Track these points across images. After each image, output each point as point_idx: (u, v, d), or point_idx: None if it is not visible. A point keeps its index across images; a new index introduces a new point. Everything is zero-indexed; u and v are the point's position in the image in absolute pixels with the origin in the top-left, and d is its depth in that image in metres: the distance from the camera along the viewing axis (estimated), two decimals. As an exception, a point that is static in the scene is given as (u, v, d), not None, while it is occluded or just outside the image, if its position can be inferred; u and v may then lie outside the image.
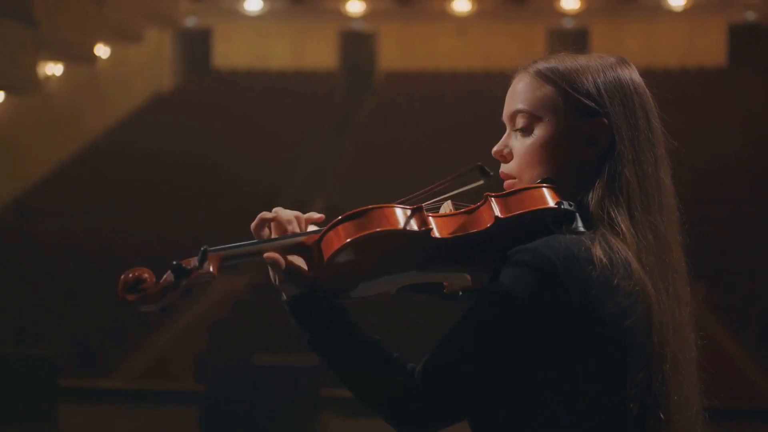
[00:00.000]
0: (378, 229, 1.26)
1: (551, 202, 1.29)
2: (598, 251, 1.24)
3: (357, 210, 1.28)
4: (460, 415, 1.30)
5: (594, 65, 1.40)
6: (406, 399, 1.28)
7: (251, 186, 13.64)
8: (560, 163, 1.35)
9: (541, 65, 1.42)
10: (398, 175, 13.60)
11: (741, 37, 18.42)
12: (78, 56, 15.33)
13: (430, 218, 1.30)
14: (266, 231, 1.36)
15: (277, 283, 1.32)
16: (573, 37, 19.83)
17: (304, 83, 19.09)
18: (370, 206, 1.29)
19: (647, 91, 1.41)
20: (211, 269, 1.25)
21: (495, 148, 1.44)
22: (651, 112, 1.39)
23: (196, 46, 20.69)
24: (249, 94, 17.44)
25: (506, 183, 1.40)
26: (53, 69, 15.70)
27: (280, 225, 1.35)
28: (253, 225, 1.37)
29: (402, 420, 1.30)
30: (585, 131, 1.35)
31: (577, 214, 1.30)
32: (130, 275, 1.25)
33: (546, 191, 1.31)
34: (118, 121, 17.66)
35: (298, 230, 1.35)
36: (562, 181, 1.33)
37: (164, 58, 20.27)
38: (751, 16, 18.52)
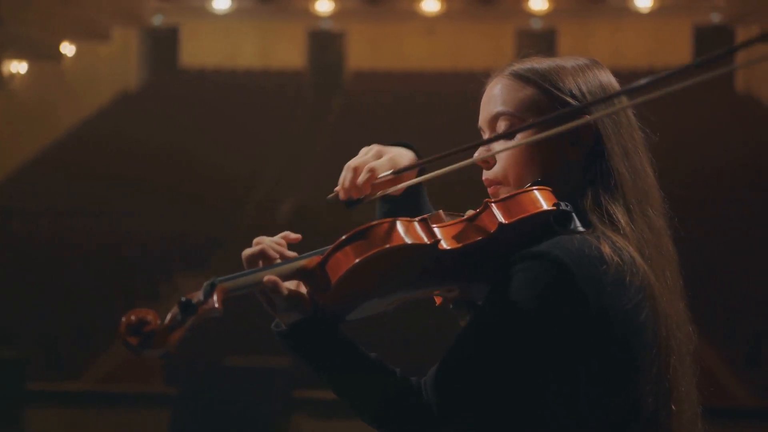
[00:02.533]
0: (388, 245, 1.21)
1: (550, 204, 1.27)
2: (607, 249, 1.23)
3: (361, 228, 1.24)
4: (472, 427, 1.26)
5: (571, 65, 1.40)
6: (418, 417, 1.25)
7: (219, 186, 13.58)
8: (547, 164, 1.33)
9: (518, 67, 1.40)
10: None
11: (706, 38, 18.66)
12: (43, 54, 15.17)
13: (436, 229, 1.26)
14: (259, 264, 1.30)
15: (275, 310, 1.27)
16: (541, 38, 20.01)
17: (273, 83, 19.02)
18: (374, 222, 1.24)
19: (617, 83, 1.41)
20: (216, 304, 1.17)
21: (476, 154, 1.40)
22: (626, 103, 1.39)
23: (163, 44, 20.52)
24: (217, 93, 17.34)
25: (491, 189, 1.38)
26: (18, 67, 15.50)
27: (267, 256, 1.29)
28: (245, 264, 1.31)
29: None
30: (571, 130, 1.32)
31: (574, 215, 1.28)
32: (132, 317, 1.13)
33: (541, 193, 1.29)
34: (83, 120, 17.47)
35: (287, 256, 1.29)
36: (551, 182, 1.31)
37: (131, 56, 20.08)
38: (716, 17, 18.78)
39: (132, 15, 18.15)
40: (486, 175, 1.38)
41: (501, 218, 1.25)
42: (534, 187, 1.30)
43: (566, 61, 1.41)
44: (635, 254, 1.26)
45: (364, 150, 1.44)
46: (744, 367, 7.82)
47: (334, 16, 20.26)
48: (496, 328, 1.22)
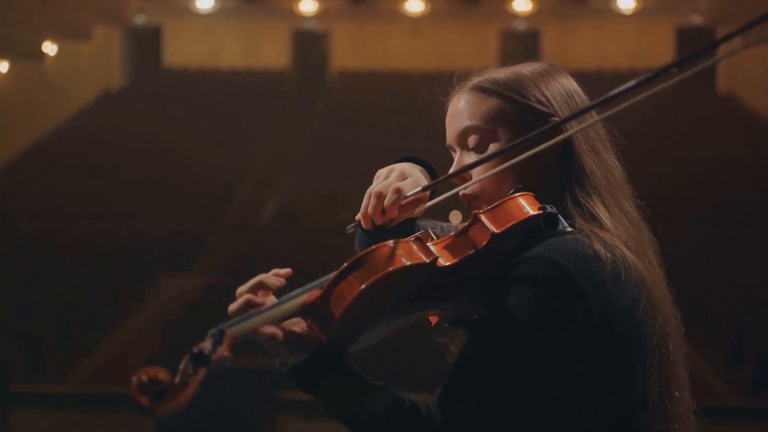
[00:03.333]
0: (390, 269, 1.19)
1: (536, 209, 1.28)
2: (599, 246, 1.24)
3: (359, 256, 1.21)
4: None
5: (529, 72, 1.40)
6: None
7: (203, 185, 13.54)
8: (523, 171, 1.33)
9: (477, 80, 1.41)
10: (352, 176, 13.60)
11: (688, 39, 18.78)
12: (25, 53, 15.06)
13: (431, 246, 1.25)
14: (258, 295, 1.25)
15: (280, 356, 1.24)
16: (525, 39, 20.07)
17: (257, 83, 18.97)
18: (370, 248, 1.21)
19: (577, 85, 1.43)
20: (226, 352, 1.13)
21: (452, 171, 1.40)
22: (588, 102, 1.41)
23: (146, 44, 20.43)
24: (200, 93, 17.28)
25: (470, 204, 1.38)
26: (-1, 66, 15.40)
27: (266, 285, 1.26)
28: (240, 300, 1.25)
29: None
30: (543, 135, 1.33)
31: (560, 216, 1.29)
32: (143, 376, 1.07)
33: (524, 199, 1.29)
34: (66, 120, 17.37)
35: (273, 298, 1.25)
36: (531, 187, 1.32)
37: (113, 56, 19.98)
38: (697, 19, 18.91)
39: (114, 14, 18.05)
40: (465, 191, 1.37)
41: (492, 228, 1.25)
42: (517, 194, 1.30)
43: (524, 68, 1.41)
44: (623, 248, 1.27)
45: (382, 173, 1.42)
46: (726, 366, 7.88)
47: (318, 16, 20.24)
48: (502, 339, 1.21)
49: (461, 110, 1.39)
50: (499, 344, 1.22)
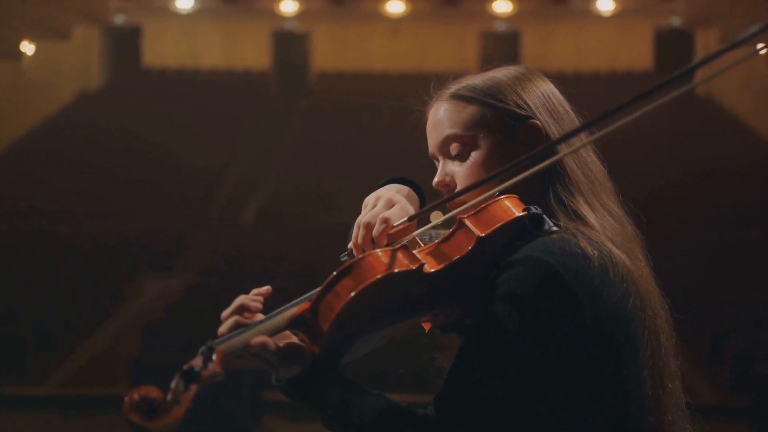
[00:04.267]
0: (377, 277, 1.19)
1: (520, 210, 1.29)
2: (585, 244, 1.25)
3: (345, 266, 1.21)
4: None
5: (506, 76, 1.42)
6: None
7: (184, 186, 13.48)
8: (509, 174, 1.32)
9: (455, 88, 1.42)
10: (333, 176, 13.59)
11: (667, 41, 18.94)
12: (3, 53, 14.92)
13: (417, 254, 1.26)
14: (243, 316, 1.26)
15: (273, 369, 1.25)
16: (505, 40, 20.14)
17: (237, 83, 18.92)
18: (356, 258, 1.23)
19: (554, 87, 1.45)
20: (217, 368, 1.14)
21: (436, 180, 1.42)
22: (566, 105, 1.43)
23: (125, 44, 20.31)
24: (180, 94, 17.21)
25: (464, 210, 1.37)
26: (-24, 66, 15.26)
27: (248, 308, 1.26)
28: (228, 324, 1.26)
29: None
30: (521, 138, 1.36)
31: (545, 216, 1.30)
32: (135, 395, 1.08)
33: (509, 201, 1.30)
34: (44, 120, 17.24)
35: (260, 316, 1.25)
36: (515, 190, 1.32)
37: (92, 56, 19.84)
38: (676, 21, 19.06)
39: (94, 14, 17.92)
40: (454, 203, 1.37)
41: (477, 232, 1.26)
42: (501, 197, 1.31)
43: (500, 73, 1.43)
44: (609, 244, 1.29)
45: (370, 201, 1.41)
46: (707, 365, 7.96)
47: (299, 16, 20.21)
48: (496, 342, 1.22)
49: (441, 119, 1.41)
50: (492, 347, 1.23)
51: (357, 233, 1.38)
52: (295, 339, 1.26)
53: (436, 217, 1.36)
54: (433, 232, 1.47)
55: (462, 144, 1.38)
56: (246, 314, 1.25)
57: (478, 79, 1.42)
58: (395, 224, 1.35)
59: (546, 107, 1.39)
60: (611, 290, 1.24)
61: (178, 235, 12.27)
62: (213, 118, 16.22)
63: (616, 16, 19.44)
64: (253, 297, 1.28)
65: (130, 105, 16.76)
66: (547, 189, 1.35)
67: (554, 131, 1.37)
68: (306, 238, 10.59)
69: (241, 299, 1.27)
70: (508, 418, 1.23)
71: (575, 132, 1.34)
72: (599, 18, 19.53)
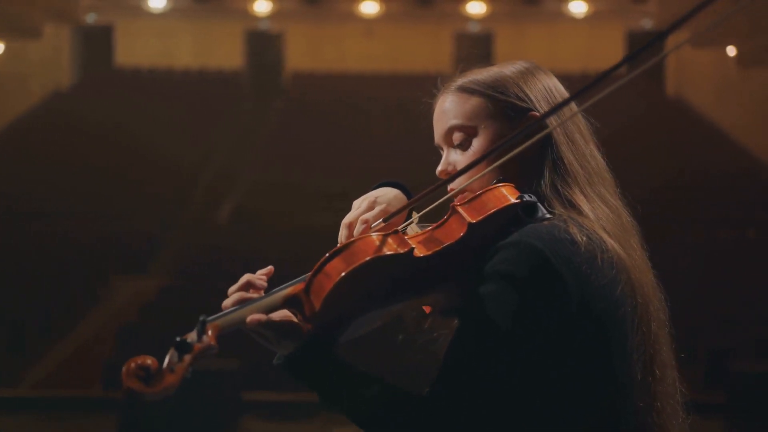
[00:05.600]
0: (367, 258, 1.24)
1: (514, 198, 1.33)
2: (575, 230, 1.30)
3: (337, 247, 1.27)
4: (484, 425, 1.28)
5: (509, 69, 1.48)
6: (429, 425, 1.27)
7: (157, 187, 13.40)
8: (506, 164, 1.38)
9: (460, 81, 1.48)
10: (307, 176, 13.59)
11: (638, 43, 19.08)
12: (-28, 52, 14.74)
13: (409, 239, 1.30)
14: (249, 292, 1.33)
15: (271, 344, 1.31)
16: (478, 41, 20.23)
17: (210, 83, 18.84)
18: (348, 240, 1.28)
19: (558, 81, 1.50)
20: (212, 341, 1.20)
21: (439, 168, 1.48)
22: (564, 99, 1.47)
23: (96, 43, 20.15)
24: (152, 94, 17.10)
25: (458, 198, 1.42)
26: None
27: (254, 285, 1.33)
28: (233, 299, 1.33)
29: None
30: (522, 129, 1.39)
31: (539, 204, 1.35)
32: (132, 364, 1.15)
33: (504, 189, 1.35)
34: (14, 120, 17.05)
35: (262, 293, 1.32)
36: (512, 178, 1.38)
37: (63, 55, 19.67)
38: (647, 23, 19.27)
39: (65, 12, 17.75)
40: (452, 185, 1.43)
41: (468, 218, 1.30)
42: (498, 185, 1.36)
43: (505, 68, 1.49)
44: (601, 232, 1.33)
45: (356, 203, 1.48)
46: (681, 362, 8.03)
47: (273, 16, 20.17)
48: (484, 323, 1.26)
49: (446, 110, 1.47)
50: (481, 329, 1.26)
51: (341, 233, 1.45)
52: (292, 317, 1.31)
53: (414, 215, 1.42)
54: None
55: (464, 134, 1.45)
56: (251, 290, 1.33)
57: (483, 73, 1.48)
58: (374, 225, 1.41)
59: (547, 100, 1.44)
60: (599, 276, 1.28)
61: (151, 236, 12.20)
62: (186, 119, 16.14)
63: (588, 18, 19.61)
64: (259, 276, 1.36)
65: (102, 105, 16.62)
66: (543, 178, 1.39)
67: (553, 120, 1.42)
68: (281, 237, 10.57)
69: (247, 276, 1.34)
70: (497, 396, 1.26)
71: (557, 108, 1.40)
72: (572, 20, 19.69)
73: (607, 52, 19.26)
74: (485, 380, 1.25)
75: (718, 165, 14.82)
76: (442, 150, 1.50)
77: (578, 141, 1.44)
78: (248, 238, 10.98)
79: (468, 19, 20.01)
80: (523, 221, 1.32)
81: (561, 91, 1.48)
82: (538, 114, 1.42)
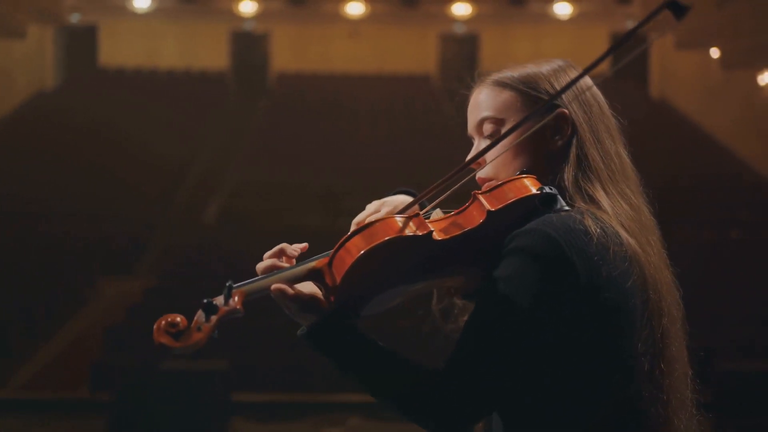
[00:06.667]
0: (385, 238, 1.30)
1: (534, 189, 1.39)
2: (590, 222, 1.35)
3: (361, 226, 1.33)
4: (491, 406, 1.37)
5: (544, 67, 1.54)
6: (437, 401, 1.33)
7: (142, 189, 13.36)
8: (532, 155, 1.46)
9: (496, 76, 1.54)
10: (292, 176, 13.58)
11: (622, 45, 19.25)
12: (-44, 52, 14.65)
13: (429, 223, 1.36)
14: (280, 266, 1.40)
15: (292, 314, 1.37)
16: (464, 42, 20.28)
17: (195, 84, 18.80)
18: (373, 220, 1.34)
19: (592, 82, 1.55)
20: (237, 305, 1.28)
21: (468, 158, 1.52)
22: (601, 100, 1.54)
23: (81, 43, 20.06)
24: (137, 94, 17.04)
25: (485, 187, 1.47)
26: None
27: (286, 253, 1.41)
28: (263, 265, 1.41)
29: (436, 421, 1.35)
30: (550, 124, 1.47)
31: (559, 196, 1.40)
32: (163, 322, 1.25)
33: (526, 180, 1.40)
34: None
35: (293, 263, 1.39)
36: (537, 170, 1.44)
37: (47, 55, 19.57)
38: (631, 25, 19.34)
39: (49, 13, 17.66)
40: (480, 174, 1.50)
41: (488, 206, 1.36)
42: (521, 176, 1.42)
43: (541, 65, 1.55)
44: (618, 227, 1.39)
45: (369, 206, 1.53)
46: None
47: (258, 17, 20.14)
48: (502, 304, 1.32)
49: (480, 102, 1.54)
50: (495, 310, 1.32)
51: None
52: (315, 289, 1.38)
53: (437, 214, 1.46)
54: None
55: (494, 125, 1.51)
56: (284, 258, 1.41)
57: (519, 69, 1.54)
58: None
59: (577, 99, 1.49)
60: (609, 267, 1.33)
61: (138, 237, 12.16)
62: (172, 119, 16.10)
63: (573, 20, 19.70)
64: (294, 246, 1.43)
65: (86, 105, 16.55)
66: (567, 173, 1.45)
67: (582, 122, 1.48)
68: (267, 238, 10.53)
69: (283, 245, 1.43)
70: (505, 373, 1.32)
71: (570, 85, 1.47)
72: (557, 21, 19.78)
73: (591, 53, 19.19)
74: (494, 358, 1.31)
75: (702, 166, 14.94)
76: (474, 140, 1.56)
77: (605, 139, 1.49)
78: (234, 238, 10.96)
79: (453, 20, 20.05)
80: (541, 212, 1.37)
81: (593, 92, 1.53)
82: (566, 111, 1.47)
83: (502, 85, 1.52)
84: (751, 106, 15.67)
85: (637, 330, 1.36)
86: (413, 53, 19.85)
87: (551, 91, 1.49)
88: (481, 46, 20.13)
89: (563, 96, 1.48)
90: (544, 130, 1.45)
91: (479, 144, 1.53)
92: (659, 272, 1.43)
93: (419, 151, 14.37)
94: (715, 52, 16.63)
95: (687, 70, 18.11)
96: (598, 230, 1.35)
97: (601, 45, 19.64)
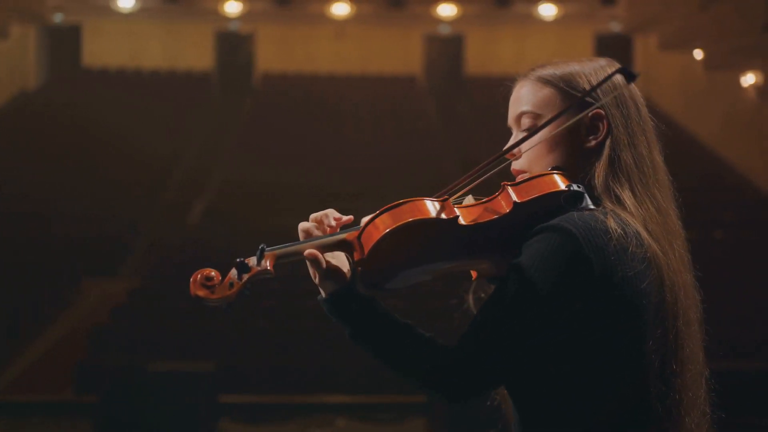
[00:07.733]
0: (411, 219, 1.37)
1: (562, 185, 1.44)
2: (612, 223, 1.40)
3: (391, 204, 1.40)
4: (498, 381, 1.45)
5: (586, 67, 1.58)
6: (447, 372, 1.39)
7: (126, 189, 13.30)
8: (565, 152, 1.51)
9: (539, 72, 1.59)
10: (277, 176, 13.57)
11: (606, 46, 19.30)
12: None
13: (456, 208, 1.42)
14: (315, 233, 1.47)
15: (317, 279, 1.44)
16: (449, 43, 20.31)
17: (180, 84, 18.73)
18: (404, 200, 1.40)
19: (634, 85, 1.58)
20: (268, 266, 1.37)
21: (505, 148, 1.57)
22: (640, 102, 1.57)
23: (64, 43, 19.93)
24: (121, 95, 16.95)
25: (518, 177, 1.53)
26: None
27: (328, 217, 1.47)
28: (303, 227, 1.47)
29: (445, 392, 1.41)
30: (585, 123, 1.51)
31: (586, 195, 1.44)
32: (199, 275, 1.36)
33: (556, 176, 1.46)
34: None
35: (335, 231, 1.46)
36: (569, 167, 1.50)
37: (29, 55, 19.43)
38: (615, 26, 19.47)
39: (31, 12, 17.54)
40: (514, 166, 1.56)
41: (516, 198, 1.42)
42: (551, 171, 1.48)
43: (583, 64, 1.59)
44: (640, 229, 1.43)
45: None
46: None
47: (243, 17, 20.09)
48: (519, 290, 1.37)
49: (521, 96, 1.59)
50: (510, 295, 1.38)
51: None
52: (344, 262, 1.46)
53: (469, 200, 1.52)
54: None
55: (532, 120, 1.55)
56: (325, 221, 1.47)
57: (561, 66, 1.58)
58: None
59: (615, 100, 1.52)
60: (626, 266, 1.38)
61: (122, 238, 12.11)
62: (156, 120, 16.04)
63: (558, 21, 19.77)
64: (336, 216, 1.49)
65: (69, 105, 16.47)
66: (598, 173, 1.49)
67: (619, 122, 1.51)
68: (251, 238, 10.52)
69: (329, 210, 1.49)
70: (512, 355, 1.38)
71: (601, 83, 1.52)
72: (542, 22, 19.83)
73: (575, 54, 19.35)
74: (504, 337, 1.37)
75: (685, 167, 15.01)
76: (513, 131, 1.61)
77: (639, 143, 1.52)
78: (219, 238, 10.94)
79: (438, 21, 20.08)
80: (565, 209, 1.42)
81: (632, 93, 1.56)
82: (602, 111, 1.51)
83: (543, 81, 1.56)
84: (735, 108, 15.77)
85: (649, 329, 1.41)
86: (398, 54, 19.86)
87: (588, 88, 1.53)
88: (466, 47, 20.16)
89: (601, 96, 1.51)
90: (579, 128, 1.51)
91: (516, 136, 1.58)
92: (678, 275, 1.46)
93: (404, 151, 14.40)
94: (698, 54, 16.72)
95: (670, 71, 18.21)
96: (619, 231, 1.39)
97: (585, 46, 19.73)
